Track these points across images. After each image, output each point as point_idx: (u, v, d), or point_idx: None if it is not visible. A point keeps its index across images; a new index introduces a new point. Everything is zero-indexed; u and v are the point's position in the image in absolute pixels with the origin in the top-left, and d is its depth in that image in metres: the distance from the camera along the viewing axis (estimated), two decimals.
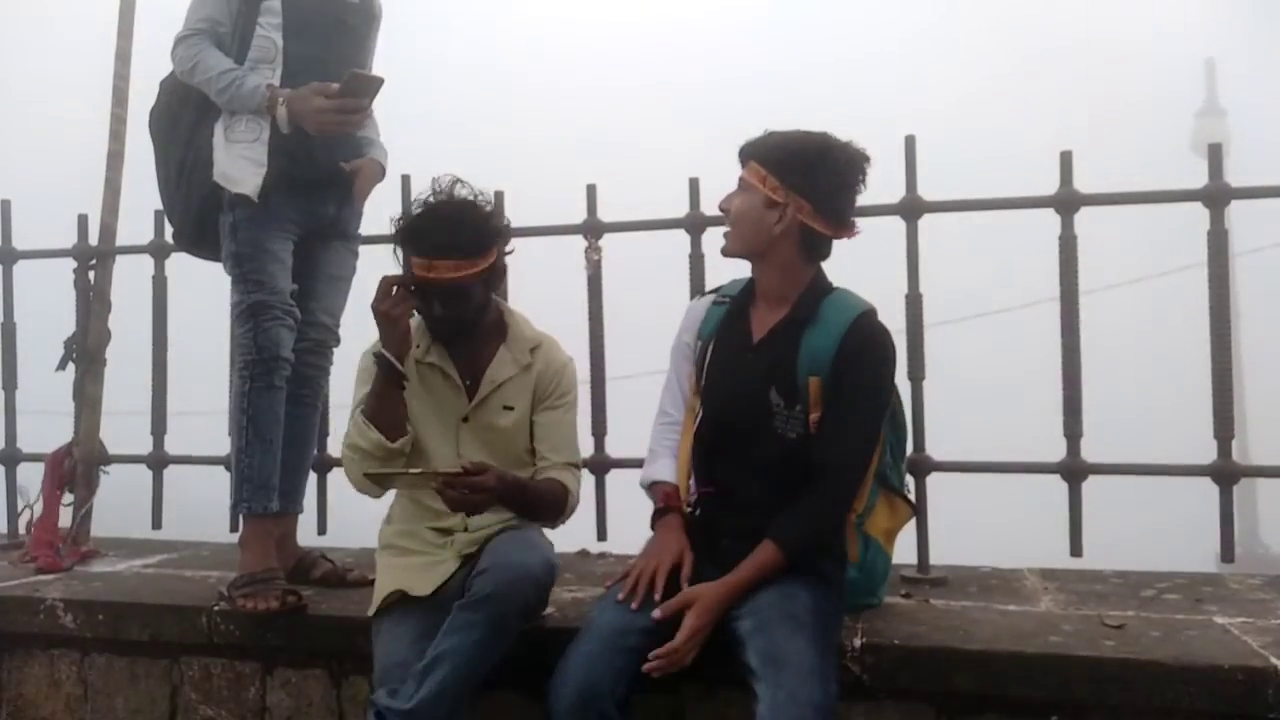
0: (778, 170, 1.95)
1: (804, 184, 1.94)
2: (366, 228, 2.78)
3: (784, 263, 2.00)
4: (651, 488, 2.13)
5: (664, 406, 2.19)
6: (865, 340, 1.95)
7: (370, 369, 2.14)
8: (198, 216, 2.56)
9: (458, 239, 2.04)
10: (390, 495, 2.27)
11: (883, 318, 2.05)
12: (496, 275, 2.17)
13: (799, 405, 1.95)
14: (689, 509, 2.07)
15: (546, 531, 2.27)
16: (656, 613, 1.84)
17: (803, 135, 1.98)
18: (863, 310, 1.99)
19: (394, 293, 2.07)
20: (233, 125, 2.46)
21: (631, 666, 1.81)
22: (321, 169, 2.53)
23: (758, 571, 1.87)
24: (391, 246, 2.15)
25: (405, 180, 2.85)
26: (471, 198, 2.12)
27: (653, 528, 2.06)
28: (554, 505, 2.15)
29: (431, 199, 2.11)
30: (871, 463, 2.05)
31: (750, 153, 2.00)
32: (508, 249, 2.24)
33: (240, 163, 2.44)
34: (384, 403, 2.09)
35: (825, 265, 2.08)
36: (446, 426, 2.16)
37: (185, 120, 2.57)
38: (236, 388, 2.47)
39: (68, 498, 3.18)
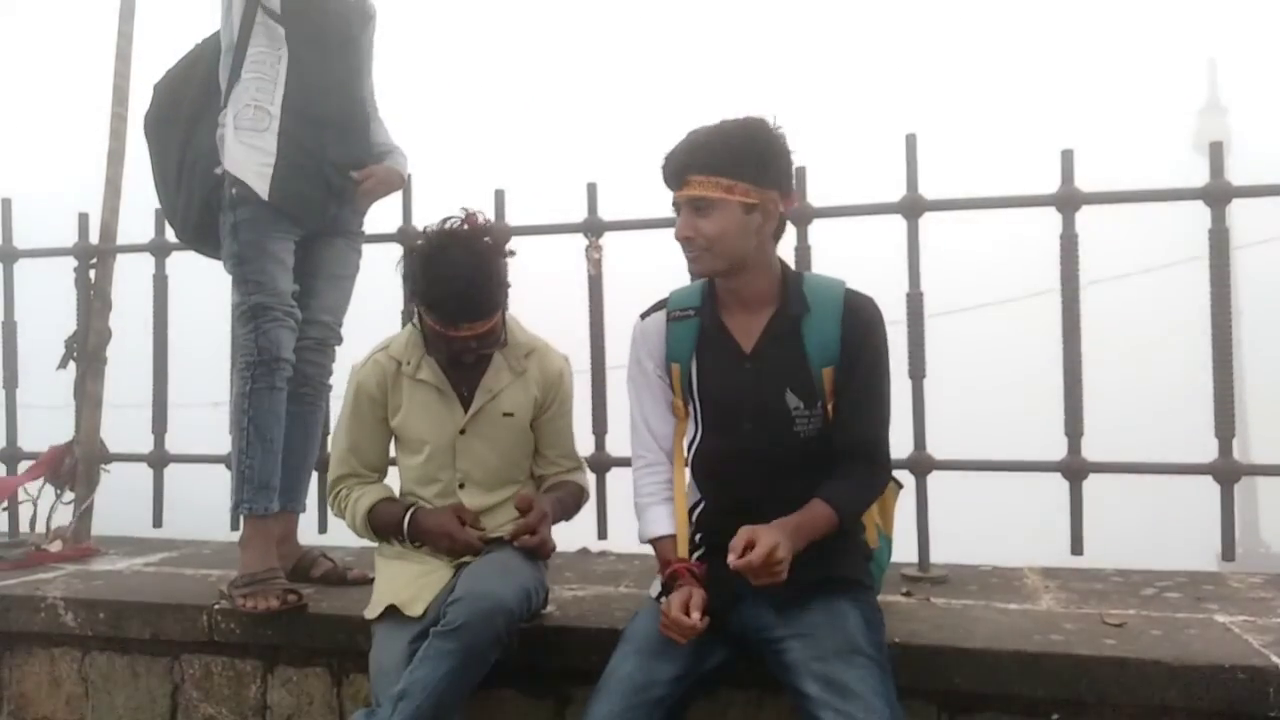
0: (740, 173, 1.82)
1: (769, 176, 1.85)
2: (369, 226, 2.79)
3: (765, 261, 1.91)
4: (653, 544, 1.97)
5: (636, 450, 2.04)
6: (867, 317, 1.89)
7: (366, 388, 2.17)
8: (200, 214, 2.56)
9: (483, 304, 2.01)
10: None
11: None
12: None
13: (819, 401, 1.87)
14: (693, 537, 1.96)
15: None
16: (732, 557, 1.65)
17: (735, 128, 1.85)
18: (845, 286, 1.92)
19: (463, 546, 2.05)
20: (241, 113, 2.44)
21: (657, 718, 1.74)
22: (332, 165, 2.54)
23: (811, 523, 1.76)
24: (407, 300, 2.11)
25: (406, 180, 2.84)
26: (477, 236, 2.04)
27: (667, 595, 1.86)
28: (577, 509, 2.26)
29: (440, 250, 2.01)
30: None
31: (699, 167, 1.83)
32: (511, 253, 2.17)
33: (250, 152, 2.42)
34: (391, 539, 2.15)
35: (829, 257, 2.07)
36: (443, 440, 2.14)
37: (181, 119, 2.59)
38: (237, 388, 2.47)
39: (68, 496, 3.19)
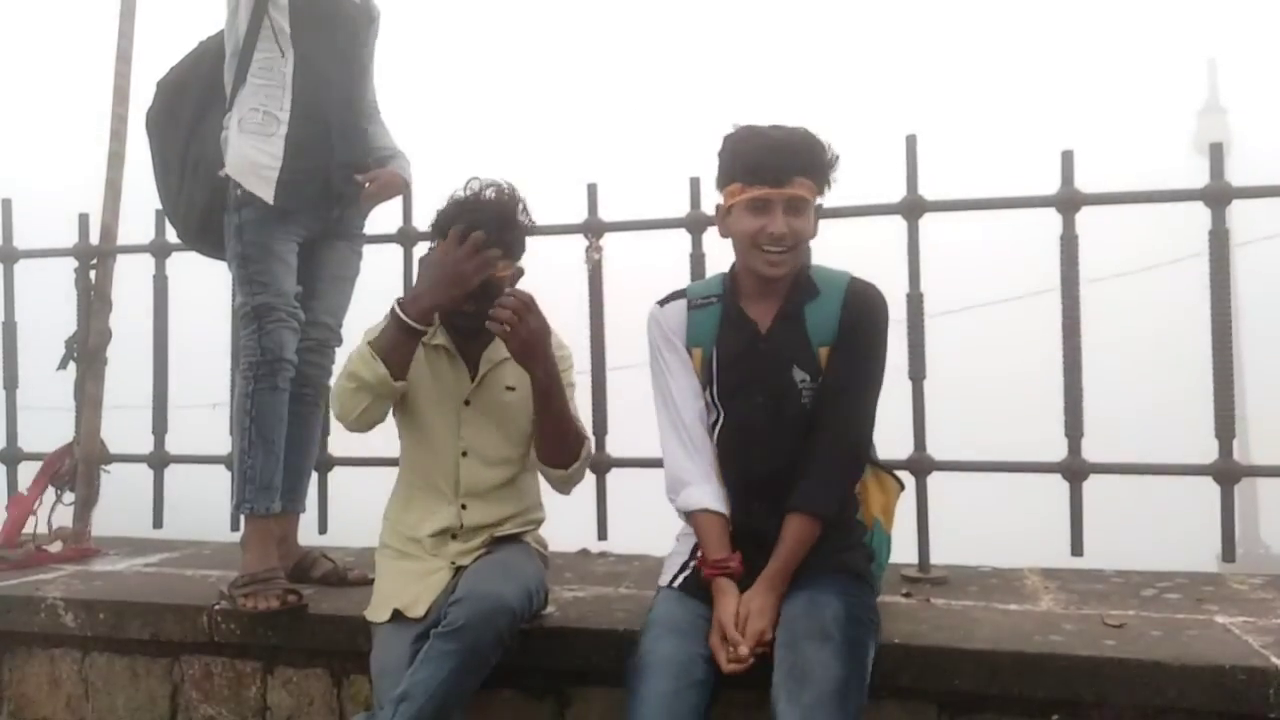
0: (821, 178, 1.95)
1: (827, 182, 1.97)
2: (369, 227, 2.79)
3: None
4: (695, 518, 1.97)
5: (675, 432, 2.03)
6: (866, 300, 1.97)
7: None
8: (202, 214, 2.56)
9: (507, 237, 2.10)
10: (388, 487, 2.27)
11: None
12: (517, 275, 2.20)
13: (821, 377, 1.95)
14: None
15: (544, 532, 2.28)
16: (732, 667, 1.77)
17: (807, 134, 1.95)
18: (850, 276, 2.01)
19: (474, 252, 2.02)
20: (248, 117, 2.44)
21: (704, 701, 1.74)
22: (337, 169, 2.54)
23: (799, 548, 1.86)
24: (429, 240, 2.16)
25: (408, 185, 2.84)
26: (510, 195, 2.16)
27: (711, 585, 1.89)
28: (577, 438, 2.16)
29: (474, 194, 2.13)
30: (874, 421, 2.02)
31: (802, 169, 1.91)
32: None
33: (255, 156, 2.42)
34: (399, 351, 2.07)
35: (827, 261, 2.10)
36: (450, 409, 2.17)
37: (184, 118, 2.58)
38: (240, 389, 2.47)
39: (68, 497, 3.19)
